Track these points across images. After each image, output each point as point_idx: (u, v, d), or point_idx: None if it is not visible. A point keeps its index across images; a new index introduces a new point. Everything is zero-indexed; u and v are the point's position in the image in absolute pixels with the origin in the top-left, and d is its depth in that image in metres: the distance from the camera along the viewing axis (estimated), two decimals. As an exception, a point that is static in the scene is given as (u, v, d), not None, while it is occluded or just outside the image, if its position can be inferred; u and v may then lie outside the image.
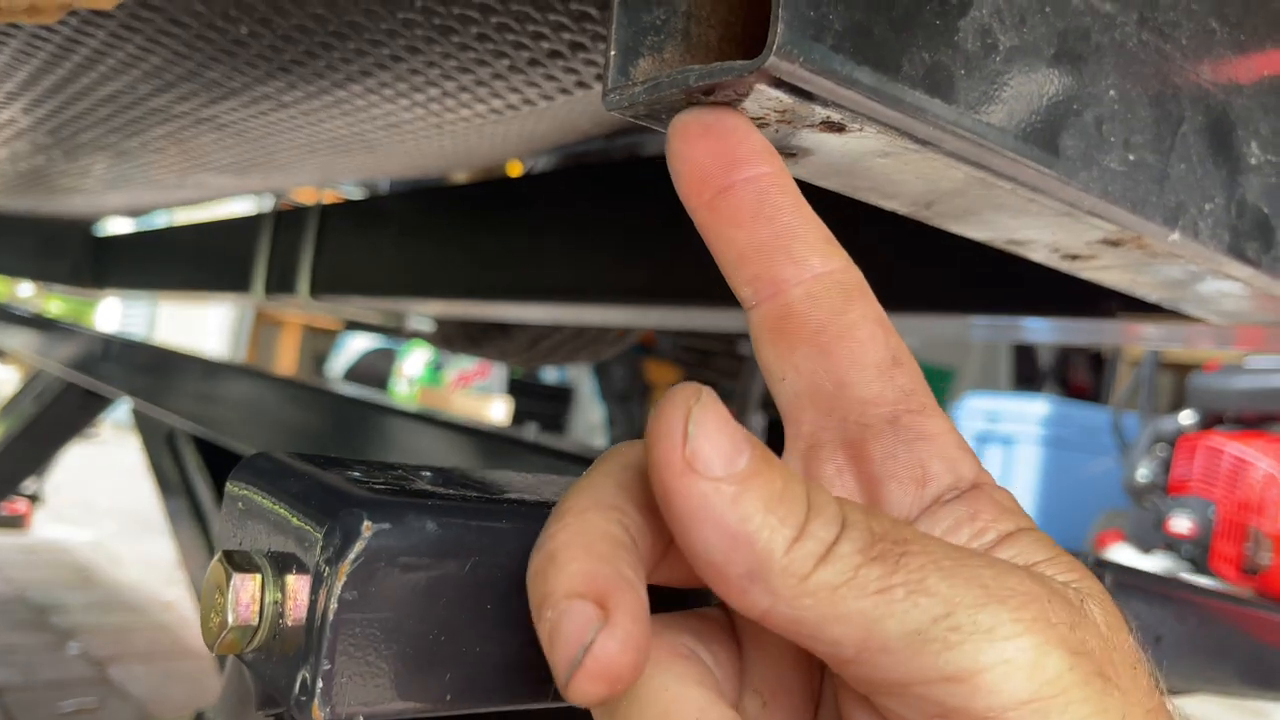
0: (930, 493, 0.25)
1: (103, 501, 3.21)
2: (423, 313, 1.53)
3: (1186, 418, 3.30)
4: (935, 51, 0.25)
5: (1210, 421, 3.25)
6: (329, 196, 1.31)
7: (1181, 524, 3.07)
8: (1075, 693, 0.19)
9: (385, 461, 0.28)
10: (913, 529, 0.21)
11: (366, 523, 0.23)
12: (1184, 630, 0.48)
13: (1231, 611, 0.52)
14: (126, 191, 1.17)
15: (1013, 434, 4.12)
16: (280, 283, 1.28)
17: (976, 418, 4.25)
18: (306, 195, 1.38)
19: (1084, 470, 3.97)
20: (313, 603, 0.22)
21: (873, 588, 0.20)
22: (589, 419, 4.80)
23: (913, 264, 0.66)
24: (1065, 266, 0.38)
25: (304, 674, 0.22)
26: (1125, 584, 0.44)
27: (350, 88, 0.58)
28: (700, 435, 0.20)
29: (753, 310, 0.26)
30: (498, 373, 4.98)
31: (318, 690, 0.22)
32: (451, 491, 0.26)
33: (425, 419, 0.79)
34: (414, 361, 5.04)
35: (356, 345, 5.22)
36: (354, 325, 5.26)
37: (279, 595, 0.23)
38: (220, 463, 1.18)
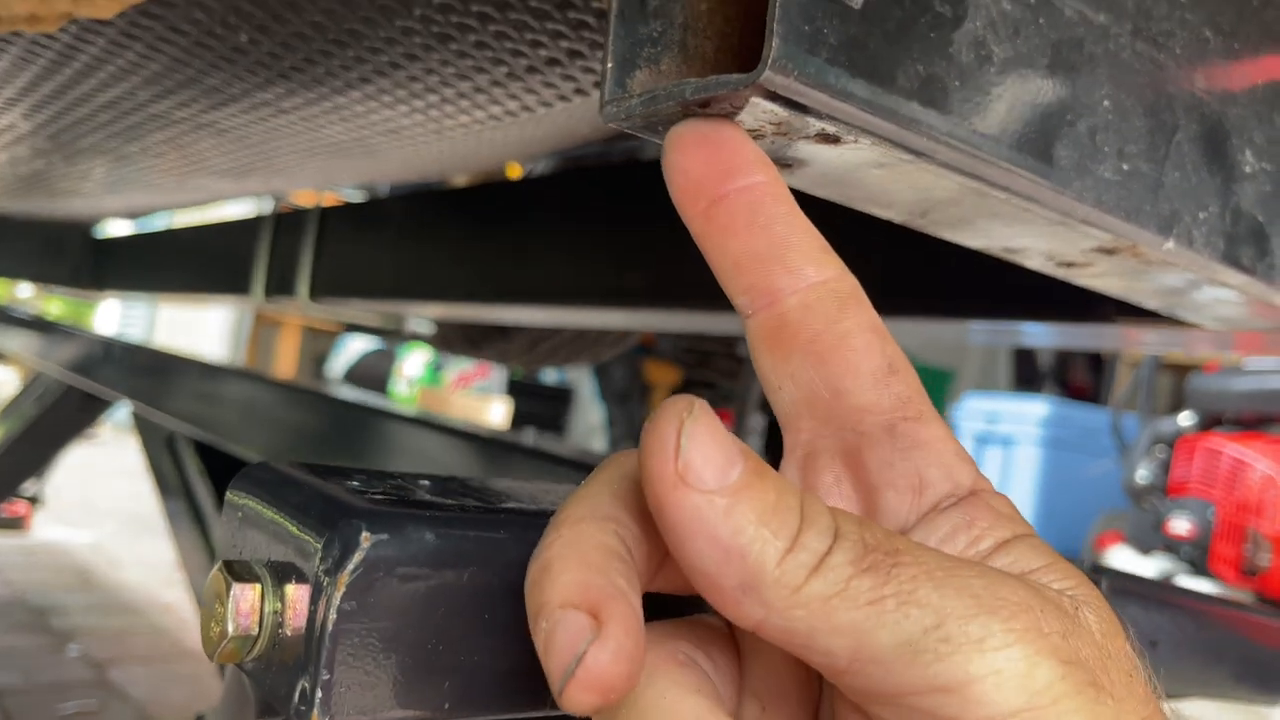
0: (927, 500, 0.25)
1: (102, 503, 3.21)
2: (422, 315, 1.53)
3: (1186, 419, 3.31)
4: (930, 64, 0.26)
5: (1209, 423, 3.25)
6: (329, 199, 1.31)
7: (1181, 525, 3.07)
8: (1067, 703, 0.20)
9: (384, 470, 0.28)
10: (906, 539, 0.22)
11: (365, 533, 0.23)
12: (1180, 635, 0.48)
13: (1227, 616, 0.52)
14: (126, 194, 1.17)
15: (1012, 435, 4.13)
16: (280, 285, 1.28)
17: (976, 418, 4.26)
18: (306, 198, 1.38)
19: (1083, 471, 3.97)
20: (312, 613, 0.23)
21: (864, 599, 0.20)
22: (589, 420, 4.81)
23: (909, 268, 0.66)
24: (1061, 274, 0.38)
25: (303, 683, 0.22)
26: (1121, 589, 0.45)
27: (350, 94, 0.58)
28: (693, 448, 0.20)
29: (749, 319, 0.26)
30: (497, 374, 4.98)
31: (317, 700, 0.22)
32: (450, 501, 0.26)
33: (424, 423, 0.79)
34: (413, 362, 5.04)
35: (356, 346, 5.22)
36: (353, 327, 5.27)
37: (279, 605, 0.23)
38: (220, 466, 1.18)
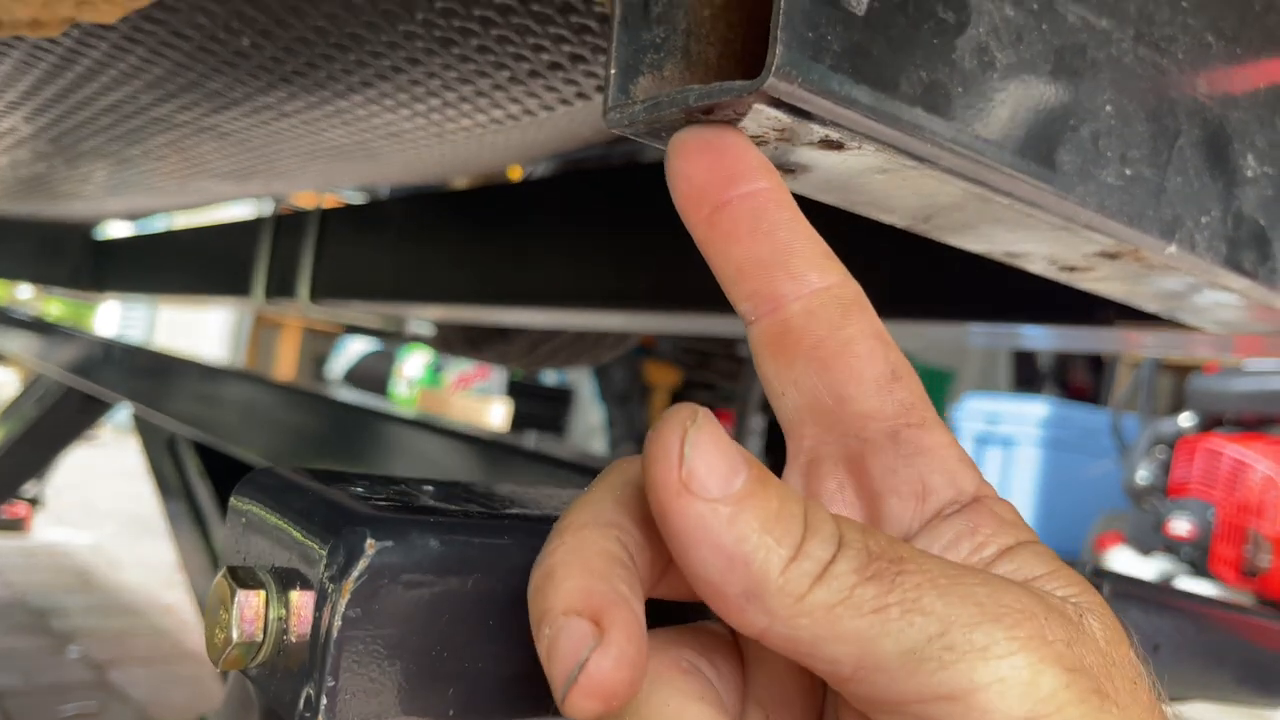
0: (931, 507, 0.25)
1: (103, 504, 3.21)
2: (422, 317, 1.53)
3: (1186, 420, 3.31)
4: (933, 70, 0.26)
5: (1210, 423, 3.25)
6: (329, 201, 1.31)
7: (1181, 526, 3.07)
8: (1071, 710, 0.20)
9: (388, 476, 0.28)
10: (909, 547, 0.22)
11: (370, 540, 0.23)
12: (1181, 638, 0.48)
13: (1228, 619, 0.52)
14: (127, 196, 1.17)
15: (1012, 436, 4.13)
16: (280, 287, 1.28)
17: (976, 419, 4.26)
18: (307, 199, 1.38)
19: (1083, 472, 3.97)
20: (317, 619, 0.23)
21: (868, 607, 0.20)
22: (589, 420, 4.81)
23: (911, 271, 0.66)
24: (1063, 278, 0.38)
25: (308, 690, 0.22)
26: (1123, 593, 0.45)
27: (352, 98, 0.58)
28: (696, 456, 0.20)
29: (752, 326, 0.26)
30: (497, 375, 4.98)
31: (322, 706, 0.22)
32: (454, 507, 0.26)
33: (424, 425, 0.79)
34: (413, 364, 5.04)
35: (356, 348, 5.22)
36: (353, 329, 5.27)
37: (283, 611, 0.23)
38: (220, 467, 1.18)
